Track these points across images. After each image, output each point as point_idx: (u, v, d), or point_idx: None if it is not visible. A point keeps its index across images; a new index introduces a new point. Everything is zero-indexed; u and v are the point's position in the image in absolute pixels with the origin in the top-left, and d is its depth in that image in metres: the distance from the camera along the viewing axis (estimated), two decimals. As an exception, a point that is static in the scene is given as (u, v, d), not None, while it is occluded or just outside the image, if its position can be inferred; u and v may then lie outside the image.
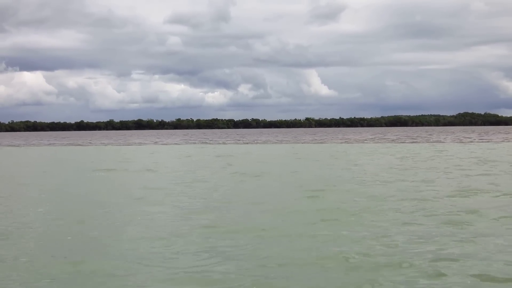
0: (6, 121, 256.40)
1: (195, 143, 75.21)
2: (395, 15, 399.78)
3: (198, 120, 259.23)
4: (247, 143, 69.79)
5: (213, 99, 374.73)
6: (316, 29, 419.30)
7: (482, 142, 61.54)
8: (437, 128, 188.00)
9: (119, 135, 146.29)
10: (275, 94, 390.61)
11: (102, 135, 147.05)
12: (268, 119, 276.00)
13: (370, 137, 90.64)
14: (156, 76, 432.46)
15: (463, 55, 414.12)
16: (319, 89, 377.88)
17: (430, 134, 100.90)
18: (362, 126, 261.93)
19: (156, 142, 79.22)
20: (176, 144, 71.74)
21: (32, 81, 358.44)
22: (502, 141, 62.73)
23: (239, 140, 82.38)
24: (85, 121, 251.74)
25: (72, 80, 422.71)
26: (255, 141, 76.35)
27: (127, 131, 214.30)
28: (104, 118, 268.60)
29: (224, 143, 70.94)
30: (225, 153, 45.49)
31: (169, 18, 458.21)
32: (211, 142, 77.72)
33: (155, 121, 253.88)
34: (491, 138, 71.69)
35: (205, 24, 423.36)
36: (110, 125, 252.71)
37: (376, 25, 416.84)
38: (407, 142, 63.52)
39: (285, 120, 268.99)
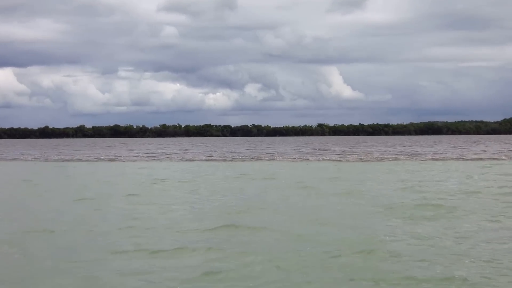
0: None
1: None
2: (432, 3, 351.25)
3: (187, 126, 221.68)
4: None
5: (215, 102, 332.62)
6: (338, 18, 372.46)
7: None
8: (460, 137, 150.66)
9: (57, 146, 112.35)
10: (288, 96, 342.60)
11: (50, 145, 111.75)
12: (279, 125, 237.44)
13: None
14: (148, 74, 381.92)
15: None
16: (341, 90, 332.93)
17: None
18: (386, 134, 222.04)
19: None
20: None
21: (1, 79, 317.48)
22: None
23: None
24: (50, 126, 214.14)
25: (48, 78, 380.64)
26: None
27: (99, 139, 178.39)
28: (86, 124, 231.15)
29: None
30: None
31: (164, 5, 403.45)
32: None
33: (135, 127, 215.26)
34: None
35: (207, 12, 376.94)
36: (80, 132, 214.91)
37: (409, 14, 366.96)
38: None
39: (293, 127, 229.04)
